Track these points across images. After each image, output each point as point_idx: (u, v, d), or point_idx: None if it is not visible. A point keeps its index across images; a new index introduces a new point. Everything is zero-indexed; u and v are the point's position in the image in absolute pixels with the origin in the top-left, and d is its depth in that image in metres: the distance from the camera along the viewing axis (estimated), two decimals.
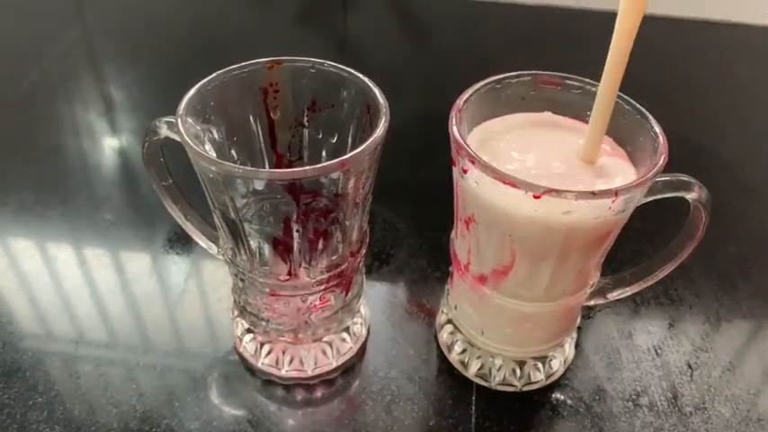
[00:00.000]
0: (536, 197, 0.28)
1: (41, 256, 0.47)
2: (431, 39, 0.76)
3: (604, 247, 0.33)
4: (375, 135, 0.31)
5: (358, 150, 0.30)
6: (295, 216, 0.31)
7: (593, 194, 0.28)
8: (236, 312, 0.41)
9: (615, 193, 0.28)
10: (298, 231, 0.32)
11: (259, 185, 0.30)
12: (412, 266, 0.47)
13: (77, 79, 0.66)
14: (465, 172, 0.31)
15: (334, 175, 0.30)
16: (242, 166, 0.29)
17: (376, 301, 0.44)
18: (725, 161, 0.58)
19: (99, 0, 0.79)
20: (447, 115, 0.32)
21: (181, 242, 0.48)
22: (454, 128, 0.31)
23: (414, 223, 0.50)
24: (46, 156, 0.56)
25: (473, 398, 0.39)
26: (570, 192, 0.28)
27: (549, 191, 0.28)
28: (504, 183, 0.29)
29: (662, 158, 0.30)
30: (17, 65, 0.67)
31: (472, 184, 0.31)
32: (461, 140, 0.30)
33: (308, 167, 0.29)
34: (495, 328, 0.37)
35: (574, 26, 0.77)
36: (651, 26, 0.75)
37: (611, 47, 0.29)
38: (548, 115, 0.35)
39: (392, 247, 0.48)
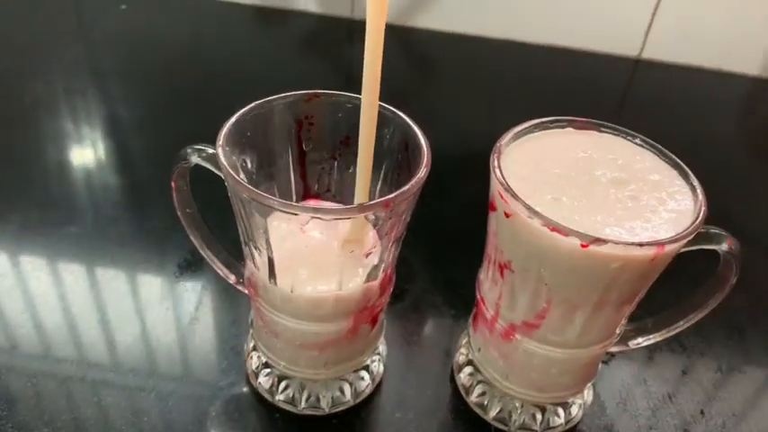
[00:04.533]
0: (583, 246, 0.28)
1: (46, 277, 0.45)
2: (437, 75, 0.76)
3: (639, 295, 0.33)
4: (419, 175, 0.31)
5: (402, 190, 0.30)
6: None
7: (640, 245, 0.28)
8: (251, 345, 0.40)
9: (661, 244, 0.29)
10: None
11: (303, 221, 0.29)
12: (426, 303, 0.47)
13: (83, 96, 0.65)
14: (508, 216, 0.31)
15: (379, 214, 0.30)
16: (290, 202, 0.29)
17: (391, 338, 0.43)
18: (729, 210, 0.59)
19: (101, 17, 0.78)
20: (458, 152, 0.31)
21: (191, 269, 0.47)
22: (497, 170, 0.31)
23: (427, 259, 0.50)
24: (51, 173, 0.54)
25: None
26: (618, 242, 0.28)
27: (597, 240, 0.28)
28: (551, 230, 0.29)
29: (702, 211, 0.31)
30: (20, 80, 0.65)
31: (514, 229, 0.31)
32: (507, 184, 0.30)
33: (353, 206, 0.29)
34: (521, 373, 0.37)
35: (573, 68, 0.78)
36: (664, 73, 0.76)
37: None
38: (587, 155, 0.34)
39: (406, 283, 0.48)
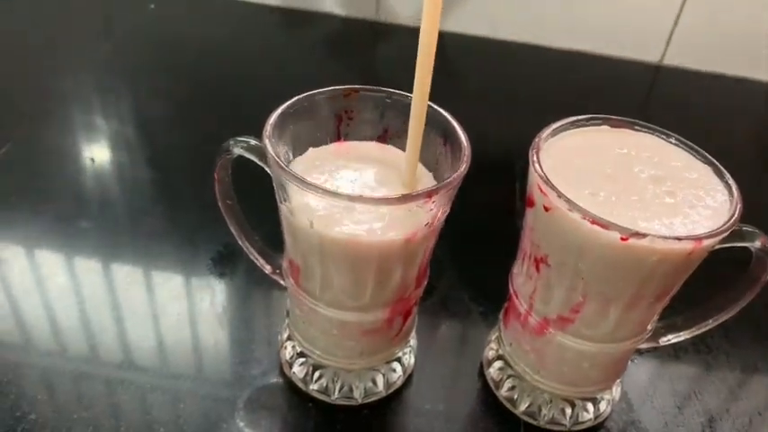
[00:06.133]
0: (623, 239, 0.29)
1: (77, 268, 0.46)
2: (458, 78, 0.77)
3: (672, 292, 0.33)
4: (460, 170, 0.31)
5: (446, 182, 0.30)
6: None
7: (679, 240, 0.29)
8: (286, 335, 0.40)
9: (699, 239, 0.29)
10: None
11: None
12: (453, 299, 0.47)
13: (111, 94, 0.66)
14: (547, 210, 0.31)
15: (420, 204, 0.30)
16: (335, 191, 0.29)
17: (422, 333, 0.44)
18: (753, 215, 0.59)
19: (129, 16, 0.79)
20: (479, 155, 0.32)
21: (223, 262, 0.47)
22: (537, 165, 0.32)
23: (455, 258, 0.50)
24: (83, 168, 0.55)
25: None
26: (657, 236, 0.29)
27: (637, 234, 0.29)
28: (592, 223, 0.29)
29: (738, 209, 0.31)
30: (51, 75, 0.67)
31: (552, 223, 0.31)
32: (547, 177, 0.31)
33: (394, 195, 0.30)
34: (553, 366, 0.37)
35: (594, 73, 0.78)
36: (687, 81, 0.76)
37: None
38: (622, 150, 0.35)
39: (435, 280, 0.48)
